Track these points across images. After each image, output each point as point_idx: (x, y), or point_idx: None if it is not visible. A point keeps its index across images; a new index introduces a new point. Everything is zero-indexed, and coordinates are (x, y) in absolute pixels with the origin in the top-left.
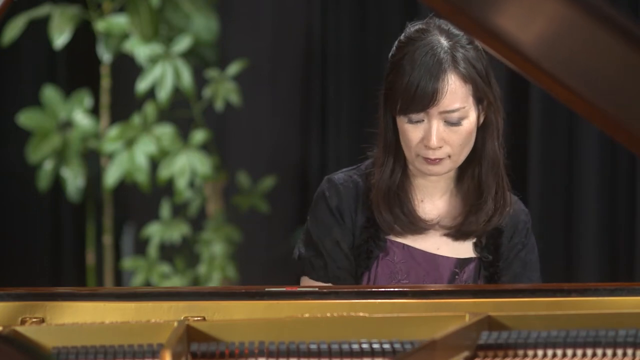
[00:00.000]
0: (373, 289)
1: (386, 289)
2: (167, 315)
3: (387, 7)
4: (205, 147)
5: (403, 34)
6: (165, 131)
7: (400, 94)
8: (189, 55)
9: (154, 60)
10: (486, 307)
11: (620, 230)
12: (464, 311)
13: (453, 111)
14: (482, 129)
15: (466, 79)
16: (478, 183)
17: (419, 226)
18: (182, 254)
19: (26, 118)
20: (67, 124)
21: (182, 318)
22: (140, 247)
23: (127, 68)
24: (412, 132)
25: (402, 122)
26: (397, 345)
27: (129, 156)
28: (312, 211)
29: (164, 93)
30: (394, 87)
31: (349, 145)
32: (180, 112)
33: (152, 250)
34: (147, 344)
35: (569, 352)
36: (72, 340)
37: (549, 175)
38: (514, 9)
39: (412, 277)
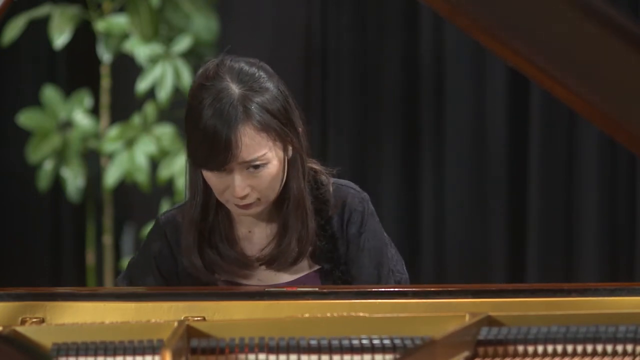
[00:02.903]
0: (373, 289)
1: (386, 289)
2: (167, 315)
3: (387, 7)
4: None
5: (197, 75)
6: (165, 131)
7: (195, 149)
8: (189, 55)
9: (154, 60)
10: (486, 307)
11: (620, 230)
12: (464, 311)
13: (252, 161)
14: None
15: (260, 128)
16: (283, 220)
17: (242, 263)
18: None
19: (26, 118)
20: (67, 124)
21: (182, 318)
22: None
23: (127, 68)
24: (215, 182)
25: (206, 174)
26: (397, 341)
27: (129, 156)
28: (139, 250)
29: (164, 93)
30: (190, 138)
31: (350, 145)
32: (180, 112)
33: None
34: (147, 340)
35: (569, 348)
36: (72, 340)
37: (549, 175)
38: (513, 10)
39: None
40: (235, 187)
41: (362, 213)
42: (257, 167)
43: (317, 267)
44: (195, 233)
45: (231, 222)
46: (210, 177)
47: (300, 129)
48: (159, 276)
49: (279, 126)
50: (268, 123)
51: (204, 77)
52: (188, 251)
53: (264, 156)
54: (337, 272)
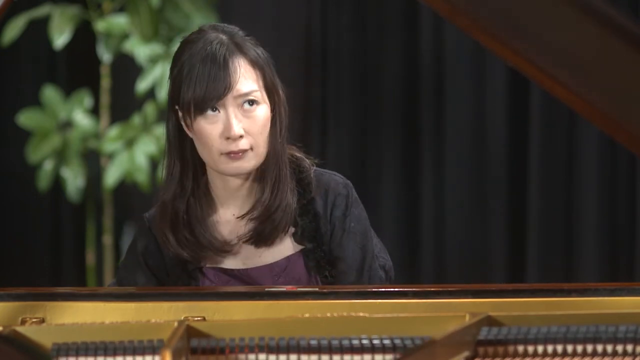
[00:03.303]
0: (373, 289)
1: (386, 289)
2: (167, 315)
3: (387, 7)
4: None
5: (178, 47)
6: None
7: (192, 95)
8: None
9: (154, 60)
10: (486, 307)
11: (620, 230)
12: (464, 311)
13: (247, 94)
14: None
15: (254, 63)
16: (260, 176)
17: (222, 250)
18: None
19: (26, 118)
20: (67, 124)
21: (182, 318)
22: None
23: (127, 68)
24: (210, 129)
25: (199, 124)
26: (397, 341)
27: (129, 156)
28: (126, 252)
29: (164, 93)
30: (185, 91)
31: (350, 144)
32: None
33: None
34: (147, 340)
35: (569, 348)
36: (72, 340)
37: (549, 175)
38: (513, 10)
39: None
40: (232, 124)
41: (346, 197)
42: (251, 103)
43: (300, 248)
44: (171, 218)
45: (212, 206)
46: (204, 128)
47: (281, 91)
48: (148, 272)
49: (269, 72)
50: (260, 63)
51: (188, 37)
52: (165, 237)
53: (257, 93)
54: (320, 252)
